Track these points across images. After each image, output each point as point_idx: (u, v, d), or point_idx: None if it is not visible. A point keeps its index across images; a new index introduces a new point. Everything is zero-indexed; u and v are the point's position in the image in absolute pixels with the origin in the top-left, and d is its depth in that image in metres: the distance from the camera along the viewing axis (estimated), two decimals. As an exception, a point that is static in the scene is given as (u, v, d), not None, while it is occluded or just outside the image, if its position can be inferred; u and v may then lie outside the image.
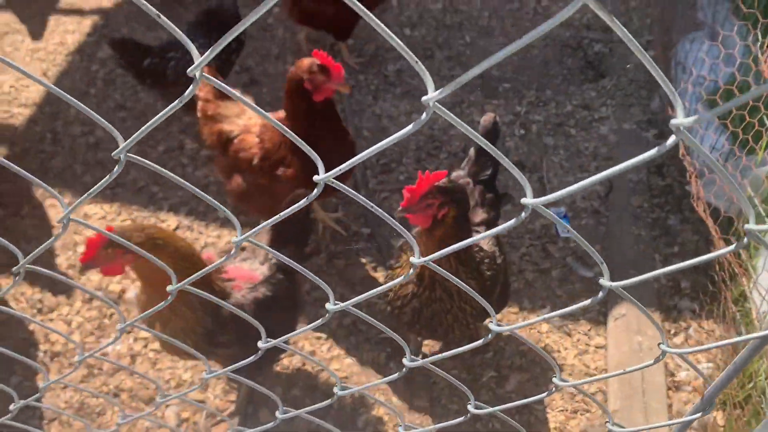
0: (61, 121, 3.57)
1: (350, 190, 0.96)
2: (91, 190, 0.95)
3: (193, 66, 0.74)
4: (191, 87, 0.76)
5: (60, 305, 2.87)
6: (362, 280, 3.05)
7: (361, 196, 0.96)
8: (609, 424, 1.30)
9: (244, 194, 2.76)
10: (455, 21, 4.41)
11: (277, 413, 1.52)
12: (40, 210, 3.17)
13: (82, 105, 0.83)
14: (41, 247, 1.05)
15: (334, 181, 0.92)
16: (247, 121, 2.72)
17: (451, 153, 3.63)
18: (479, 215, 2.55)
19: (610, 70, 4.19)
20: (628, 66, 4.15)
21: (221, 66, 3.18)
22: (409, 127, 0.77)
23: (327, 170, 0.91)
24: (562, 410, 2.71)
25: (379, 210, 0.98)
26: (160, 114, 0.82)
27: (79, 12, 4.23)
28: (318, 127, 2.51)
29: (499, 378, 2.79)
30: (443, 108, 0.75)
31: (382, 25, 0.70)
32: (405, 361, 1.23)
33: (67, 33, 4.07)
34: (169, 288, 1.15)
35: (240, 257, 2.32)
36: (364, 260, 3.12)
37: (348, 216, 3.29)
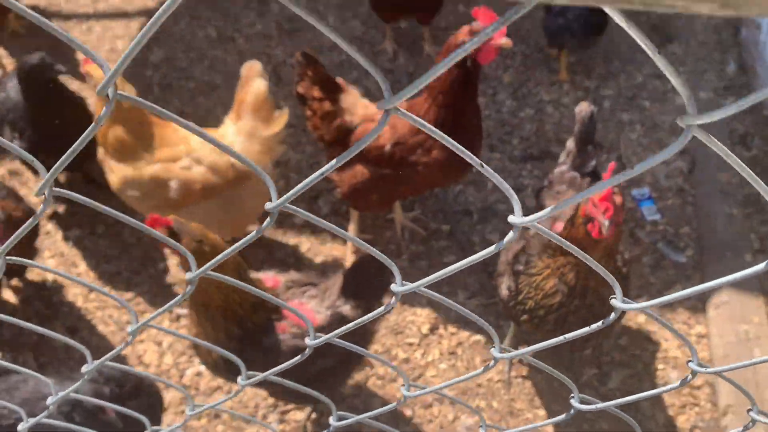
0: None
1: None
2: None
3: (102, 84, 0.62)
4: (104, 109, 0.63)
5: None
6: (448, 281, 2.97)
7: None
8: (753, 413, 1.17)
9: (363, 186, 2.69)
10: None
11: (331, 419, 1.32)
12: (113, 228, 3.14)
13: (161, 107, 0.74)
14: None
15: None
16: (365, 110, 2.67)
17: (524, 138, 3.50)
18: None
19: (678, 34, 3.98)
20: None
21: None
22: (366, 136, 0.64)
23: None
24: (669, 405, 2.63)
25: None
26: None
27: (125, 15, 4.14)
28: (464, 105, 2.46)
29: (601, 375, 2.71)
30: (403, 111, 0.61)
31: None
32: (494, 352, 1.06)
33: (116, 38, 3.99)
34: (187, 276, 0.95)
35: (308, 293, 2.16)
36: (446, 260, 3.04)
37: (426, 213, 3.20)
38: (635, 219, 3.18)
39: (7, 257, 0.94)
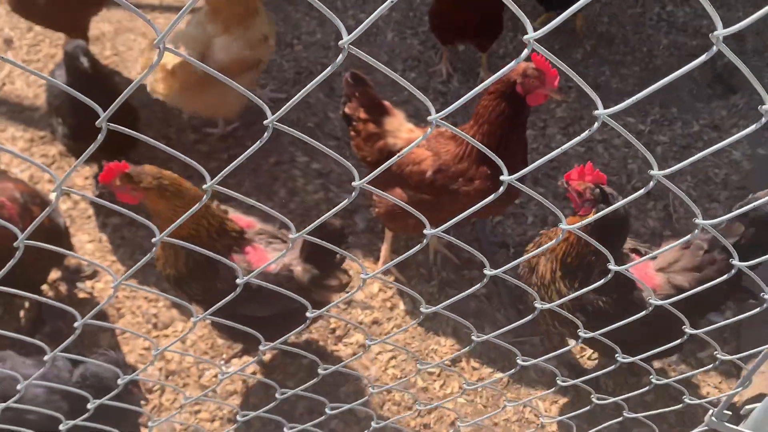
0: (173, 127, 3.57)
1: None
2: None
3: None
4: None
5: (174, 321, 2.89)
6: (477, 312, 2.94)
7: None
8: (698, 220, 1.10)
9: (400, 209, 2.65)
10: (570, 27, 4.16)
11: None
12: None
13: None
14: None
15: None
16: (410, 134, 2.68)
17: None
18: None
19: (742, 85, 3.87)
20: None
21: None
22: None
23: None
24: None
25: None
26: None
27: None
28: (510, 137, 2.47)
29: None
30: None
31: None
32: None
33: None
34: (153, 240, 1.17)
35: (273, 245, 2.31)
36: (478, 293, 2.99)
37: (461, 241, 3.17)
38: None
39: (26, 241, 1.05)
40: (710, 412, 1.50)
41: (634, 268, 1.56)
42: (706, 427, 1.54)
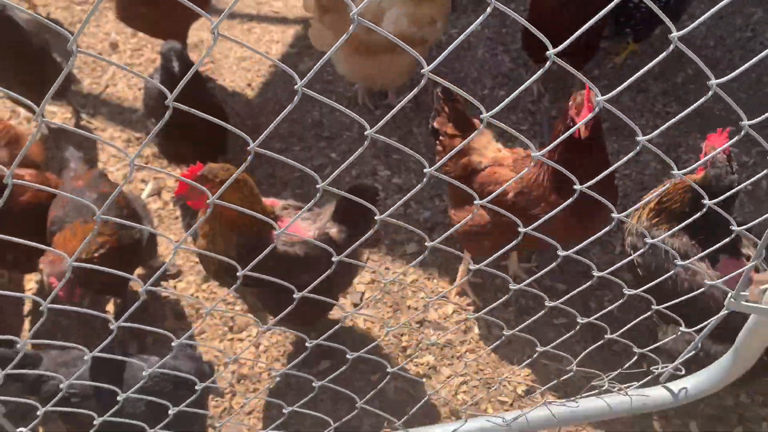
0: (259, 134, 3.64)
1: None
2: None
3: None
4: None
5: (250, 326, 2.92)
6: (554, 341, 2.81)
7: None
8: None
9: (478, 230, 2.63)
10: (674, 50, 3.95)
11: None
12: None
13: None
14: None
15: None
16: (497, 153, 2.63)
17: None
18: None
19: None
20: None
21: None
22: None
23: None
24: None
25: None
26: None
27: (284, 21, 4.31)
28: (585, 163, 2.32)
29: None
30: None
31: None
32: None
33: (272, 43, 4.16)
34: (208, 201, 1.21)
35: (303, 216, 2.37)
36: (557, 321, 2.88)
37: (543, 268, 3.06)
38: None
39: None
40: (729, 294, 1.58)
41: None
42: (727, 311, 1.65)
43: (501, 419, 2.05)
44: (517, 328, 2.00)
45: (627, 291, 1.80)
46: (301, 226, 2.41)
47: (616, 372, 2.13)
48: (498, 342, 2.79)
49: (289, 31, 4.24)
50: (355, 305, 2.94)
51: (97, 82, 3.92)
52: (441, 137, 2.71)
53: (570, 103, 2.34)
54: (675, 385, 2.03)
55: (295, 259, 2.30)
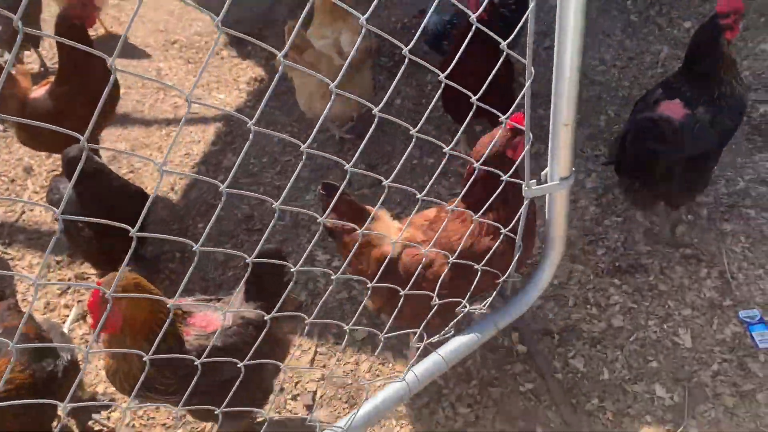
0: (188, 236, 3.47)
1: None
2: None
3: None
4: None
5: (195, 449, 2.65)
6: (524, 413, 2.63)
7: None
8: None
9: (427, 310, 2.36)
10: (592, 94, 4.01)
11: None
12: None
13: None
14: None
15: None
16: (404, 234, 2.36)
17: (610, 248, 3.17)
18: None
19: (784, 135, 3.62)
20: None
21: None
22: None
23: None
24: None
25: None
26: None
27: (204, 121, 4.23)
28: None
29: None
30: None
31: None
32: None
33: (193, 143, 4.06)
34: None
35: (214, 307, 2.28)
36: (523, 388, 2.70)
37: (500, 332, 2.90)
38: (745, 347, 2.75)
39: None
40: (523, 184, 2.09)
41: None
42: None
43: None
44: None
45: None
46: (214, 317, 2.25)
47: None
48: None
49: (210, 130, 4.15)
50: (308, 407, 2.71)
51: (12, 209, 3.71)
52: (342, 237, 2.47)
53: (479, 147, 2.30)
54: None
55: (214, 352, 2.09)
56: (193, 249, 1.27)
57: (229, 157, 3.91)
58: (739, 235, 3.17)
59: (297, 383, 2.80)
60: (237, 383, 1.91)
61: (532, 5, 1.64)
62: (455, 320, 2.42)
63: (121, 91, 4.46)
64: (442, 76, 1.67)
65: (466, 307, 2.35)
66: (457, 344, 2.31)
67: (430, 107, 1.92)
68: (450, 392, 2.72)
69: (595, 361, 2.76)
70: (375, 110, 1.51)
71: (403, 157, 1.86)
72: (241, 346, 2.20)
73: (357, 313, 2.22)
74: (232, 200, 3.64)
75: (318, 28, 3.69)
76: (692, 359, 2.73)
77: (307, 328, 2.90)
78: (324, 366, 2.85)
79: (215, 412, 1.86)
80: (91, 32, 3.53)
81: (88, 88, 3.14)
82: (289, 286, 1.97)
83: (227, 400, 1.88)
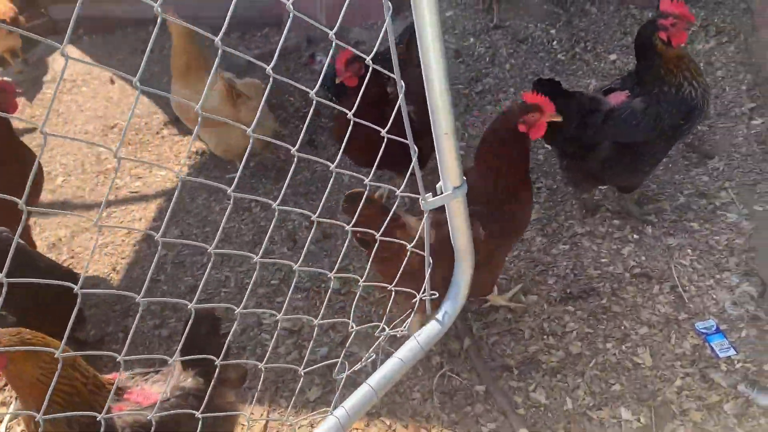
0: (132, 317, 3.34)
1: None
2: None
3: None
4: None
5: None
6: (489, 453, 2.50)
7: None
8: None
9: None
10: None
11: None
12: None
13: None
14: None
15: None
16: (418, 224, 2.45)
17: (560, 276, 3.13)
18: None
19: (717, 149, 3.68)
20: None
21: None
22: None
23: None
24: None
25: None
26: None
27: (144, 198, 4.16)
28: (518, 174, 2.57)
29: None
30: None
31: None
32: None
33: (134, 221, 3.97)
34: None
35: (152, 379, 2.19)
36: (485, 429, 2.57)
37: (456, 372, 2.79)
38: (705, 358, 2.69)
39: None
40: (420, 198, 2.04)
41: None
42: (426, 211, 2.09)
43: None
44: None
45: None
46: (153, 391, 2.12)
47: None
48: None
49: (151, 206, 4.09)
50: (261, 477, 2.54)
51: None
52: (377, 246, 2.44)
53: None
54: (439, 315, 2.37)
55: (148, 425, 1.96)
56: (137, 300, 1.29)
57: (172, 230, 3.83)
58: (685, 248, 3.15)
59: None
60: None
61: (387, 19, 1.68)
62: (375, 345, 2.36)
63: (61, 179, 4.43)
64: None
65: (385, 329, 2.28)
66: (385, 372, 2.23)
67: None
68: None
69: (557, 392, 2.66)
70: (292, 150, 1.56)
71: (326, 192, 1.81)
72: (181, 419, 2.07)
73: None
74: (177, 271, 3.54)
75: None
76: (654, 377, 2.65)
77: (256, 395, 2.78)
78: (277, 432, 2.69)
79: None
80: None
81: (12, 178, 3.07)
82: (225, 345, 1.90)
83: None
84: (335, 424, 2.17)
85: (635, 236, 3.26)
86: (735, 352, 2.67)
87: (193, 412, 1.85)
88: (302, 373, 2.00)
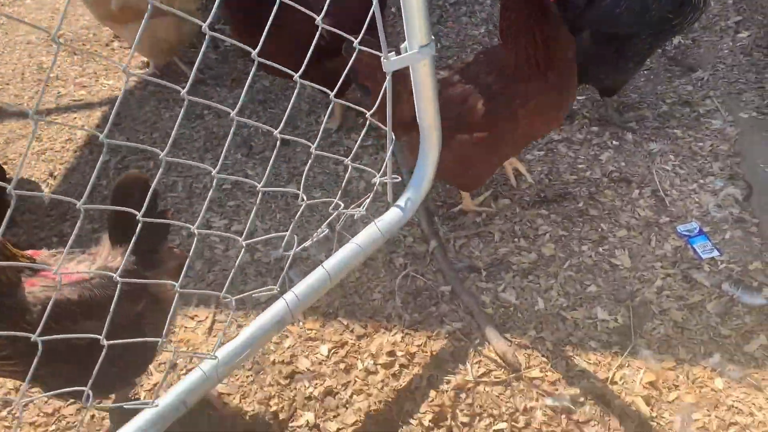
0: (69, 222, 3.04)
1: None
2: None
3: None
4: None
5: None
6: (453, 354, 2.29)
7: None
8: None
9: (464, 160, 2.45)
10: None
11: None
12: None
13: None
14: None
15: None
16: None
17: (534, 182, 2.92)
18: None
19: (701, 62, 3.48)
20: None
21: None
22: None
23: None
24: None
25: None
26: None
27: (89, 106, 3.83)
28: (549, 37, 2.26)
29: None
30: None
31: None
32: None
33: (76, 129, 3.64)
34: None
35: (78, 259, 1.89)
36: (450, 328, 2.37)
37: (423, 274, 2.58)
38: (687, 259, 2.51)
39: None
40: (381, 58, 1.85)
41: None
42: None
43: None
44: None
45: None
46: (73, 267, 1.85)
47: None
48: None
49: (96, 114, 3.76)
50: (203, 377, 2.29)
51: None
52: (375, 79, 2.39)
53: None
54: (401, 201, 2.19)
55: (66, 304, 1.70)
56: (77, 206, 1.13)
57: (117, 135, 3.52)
58: (668, 154, 2.96)
59: (191, 359, 2.40)
60: (104, 350, 1.52)
61: None
62: (328, 221, 2.12)
63: (-5, 85, 4.06)
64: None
65: (340, 205, 2.04)
66: (341, 256, 2.01)
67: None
68: (369, 342, 2.36)
69: (528, 292, 2.46)
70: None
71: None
72: (105, 303, 1.80)
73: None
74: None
75: None
76: (633, 278, 2.47)
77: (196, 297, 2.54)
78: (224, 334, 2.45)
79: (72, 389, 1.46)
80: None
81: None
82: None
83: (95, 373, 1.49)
84: (283, 308, 1.94)
85: (615, 142, 3.06)
86: (719, 254, 2.50)
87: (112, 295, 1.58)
88: (244, 245, 1.74)
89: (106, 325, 1.51)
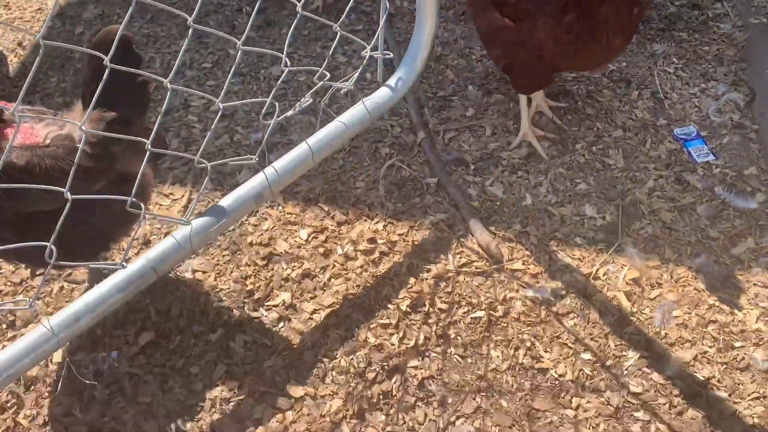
0: (39, 92, 2.88)
1: None
2: None
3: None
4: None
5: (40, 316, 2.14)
6: (435, 244, 2.23)
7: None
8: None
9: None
10: None
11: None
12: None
13: None
14: None
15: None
16: None
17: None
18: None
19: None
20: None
21: None
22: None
23: None
24: (757, 398, 1.83)
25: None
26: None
27: (62, -24, 3.57)
28: None
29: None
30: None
31: None
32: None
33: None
34: None
35: (46, 121, 1.70)
36: (433, 218, 2.30)
37: (409, 165, 2.48)
38: (682, 162, 2.44)
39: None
40: None
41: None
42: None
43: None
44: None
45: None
46: (41, 133, 1.68)
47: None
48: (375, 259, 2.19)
49: (68, -16, 3.51)
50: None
51: None
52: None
53: None
54: (392, 80, 2.11)
55: (11, 168, 1.56)
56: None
57: (90, 9, 3.30)
58: (671, 56, 2.83)
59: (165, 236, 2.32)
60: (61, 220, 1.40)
61: None
62: (312, 90, 2.00)
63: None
64: None
65: (326, 75, 1.89)
66: (326, 132, 1.92)
67: None
68: (350, 229, 2.29)
69: (516, 187, 2.39)
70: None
71: None
72: (55, 176, 1.62)
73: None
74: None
75: None
76: (625, 178, 2.40)
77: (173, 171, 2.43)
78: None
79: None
80: None
81: None
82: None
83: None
84: (261, 182, 1.85)
85: (617, 42, 2.91)
86: (714, 158, 2.43)
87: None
88: (221, 106, 1.63)
89: (70, 178, 1.41)
